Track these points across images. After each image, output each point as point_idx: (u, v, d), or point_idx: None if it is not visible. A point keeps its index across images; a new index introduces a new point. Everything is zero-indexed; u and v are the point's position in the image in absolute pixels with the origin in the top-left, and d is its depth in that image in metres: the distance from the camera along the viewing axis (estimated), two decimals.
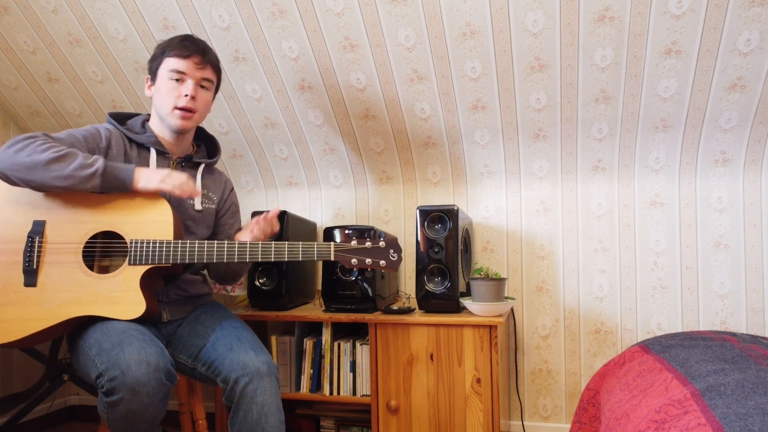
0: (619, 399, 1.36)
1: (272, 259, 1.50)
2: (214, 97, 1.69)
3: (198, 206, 1.65)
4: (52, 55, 2.22)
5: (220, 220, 1.76)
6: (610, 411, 1.36)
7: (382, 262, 1.54)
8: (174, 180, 1.46)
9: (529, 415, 2.24)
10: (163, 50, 1.58)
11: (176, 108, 1.56)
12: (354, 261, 1.53)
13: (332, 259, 1.52)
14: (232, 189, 1.81)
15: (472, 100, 2.06)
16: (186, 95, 1.55)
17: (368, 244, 1.54)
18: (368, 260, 1.53)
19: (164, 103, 1.57)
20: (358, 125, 2.22)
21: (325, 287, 2.02)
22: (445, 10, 1.83)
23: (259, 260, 1.50)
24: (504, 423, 1.90)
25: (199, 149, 1.75)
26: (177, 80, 1.56)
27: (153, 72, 1.60)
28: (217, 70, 1.66)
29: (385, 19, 1.88)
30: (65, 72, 2.27)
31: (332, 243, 1.53)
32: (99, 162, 1.40)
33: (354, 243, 1.54)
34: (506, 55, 1.91)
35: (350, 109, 2.17)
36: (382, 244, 1.55)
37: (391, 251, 1.55)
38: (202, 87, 1.60)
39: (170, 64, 1.56)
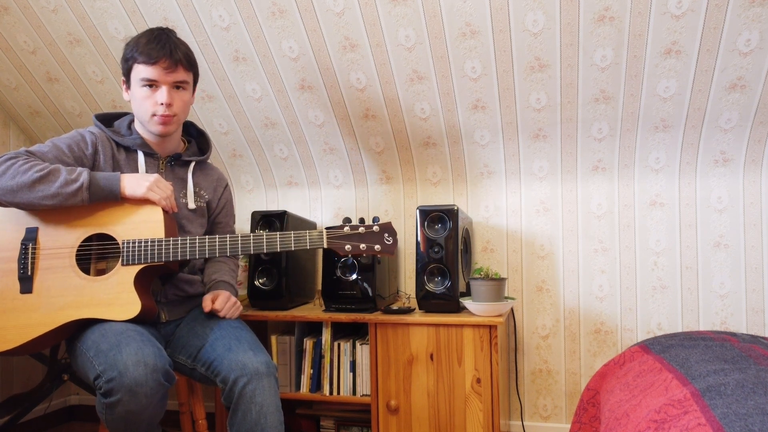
0: (619, 399, 1.36)
1: (264, 251, 1.48)
2: (194, 90, 1.65)
3: (192, 205, 1.65)
4: (52, 55, 2.22)
5: (216, 218, 1.76)
6: (610, 411, 1.35)
7: (377, 247, 1.50)
8: (161, 191, 1.46)
9: (529, 415, 2.24)
10: (130, 54, 1.52)
11: (154, 115, 1.53)
12: (348, 247, 1.50)
13: (325, 246, 1.49)
14: (227, 186, 1.79)
15: (472, 100, 2.06)
16: (162, 103, 1.51)
17: (361, 229, 1.51)
18: (362, 245, 1.50)
19: (142, 110, 1.54)
20: (358, 125, 2.22)
21: (325, 287, 2.02)
22: (445, 10, 1.83)
23: (252, 253, 1.49)
24: (504, 423, 1.90)
25: (190, 145, 1.73)
26: (150, 86, 1.52)
27: (126, 75, 1.56)
28: (191, 66, 1.58)
29: (385, 19, 1.88)
30: (65, 72, 2.27)
31: (324, 229, 1.49)
32: (83, 175, 1.40)
33: (347, 229, 1.50)
34: (506, 55, 1.91)
35: (350, 109, 2.17)
36: (375, 228, 1.51)
37: (386, 235, 1.51)
38: (177, 88, 1.55)
39: (140, 71, 1.51)
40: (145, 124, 1.56)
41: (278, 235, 1.48)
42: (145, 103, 1.52)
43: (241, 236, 1.48)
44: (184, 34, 2.02)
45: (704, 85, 1.88)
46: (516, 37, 1.86)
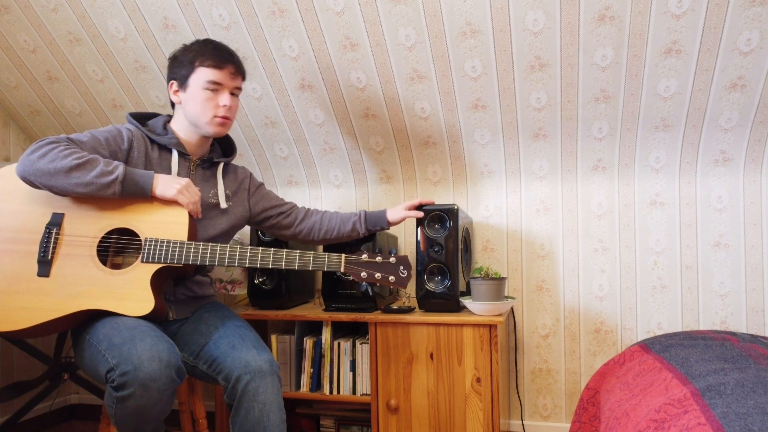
0: (618, 398, 1.36)
1: (283, 267, 1.52)
2: None
3: (223, 204, 1.69)
4: (52, 54, 2.21)
5: (265, 210, 1.79)
6: (610, 410, 1.36)
7: (392, 278, 1.57)
8: (190, 195, 1.50)
9: (529, 414, 2.24)
10: (195, 59, 1.60)
11: (215, 117, 1.61)
12: (363, 274, 1.56)
13: (342, 270, 1.55)
14: (251, 175, 1.83)
15: (473, 99, 2.06)
16: (224, 105, 1.61)
17: (379, 258, 1.57)
18: (378, 275, 1.56)
19: (201, 112, 1.60)
20: (358, 124, 2.22)
21: (325, 286, 2.02)
22: (445, 9, 1.83)
23: (270, 267, 1.52)
24: (504, 422, 1.90)
25: (214, 148, 1.77)
26: (213, 90, 1.60)
27: (182, 79, 1.61)
28: (245, 76, 1.71)
29: (385, 18, 1.88)
30: (65, 71, 2.27)
31: (343, 255, 1.56)
32: (119, 169, 1.42)
33: (365, 257, 1.57)
34: (506, 55, 1.91)
35: (350, 109, 2.17)
36: (392, 259, 1.58)
37: (401, 268, 1.58)
38: (232, 94, 1.65)
39: (206, 74, 1.59)
40: (202, 125, 1.62)
41: (298, 254, 1.54)
42: (207, 104, 1.60)
43: (262, 249, 1.52)
44: (184, 33, 2.02)
45: (704, 84, 1.88)
46: (516, 37, 1.86)
